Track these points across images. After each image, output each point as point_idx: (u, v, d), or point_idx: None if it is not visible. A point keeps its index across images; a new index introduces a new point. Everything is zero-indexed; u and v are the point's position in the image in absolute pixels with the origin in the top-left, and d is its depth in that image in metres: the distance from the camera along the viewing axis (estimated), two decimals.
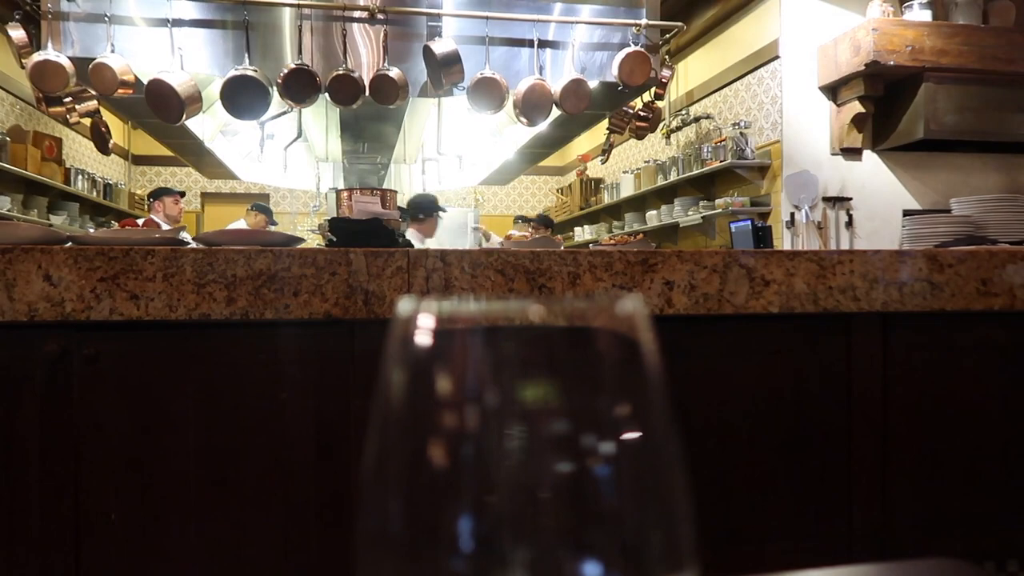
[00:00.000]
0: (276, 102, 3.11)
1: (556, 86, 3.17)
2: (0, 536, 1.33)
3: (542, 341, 0.21)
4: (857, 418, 1.58)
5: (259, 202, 6.74)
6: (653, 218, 6.40)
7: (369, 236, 2.26)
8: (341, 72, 3.00)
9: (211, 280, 1.38)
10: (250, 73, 2.95)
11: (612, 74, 3.25)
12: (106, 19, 2.86)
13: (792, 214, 4.71)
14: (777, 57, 4.83)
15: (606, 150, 4.42)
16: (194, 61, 3.01)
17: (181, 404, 1.41)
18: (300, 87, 2.98)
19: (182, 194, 5.71)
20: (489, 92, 3.10)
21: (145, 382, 1.41)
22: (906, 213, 4.44)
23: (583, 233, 8.03)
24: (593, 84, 3.24)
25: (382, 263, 1.44)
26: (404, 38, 3.13)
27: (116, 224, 7.19)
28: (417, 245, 3.75)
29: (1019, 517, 1.45)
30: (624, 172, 7.21)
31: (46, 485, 1.35)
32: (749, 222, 4.07)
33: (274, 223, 6.42)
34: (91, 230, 5.22)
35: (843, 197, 4.71)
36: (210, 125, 4.28)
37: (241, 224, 6.25)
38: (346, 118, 4.01)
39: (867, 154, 4.73)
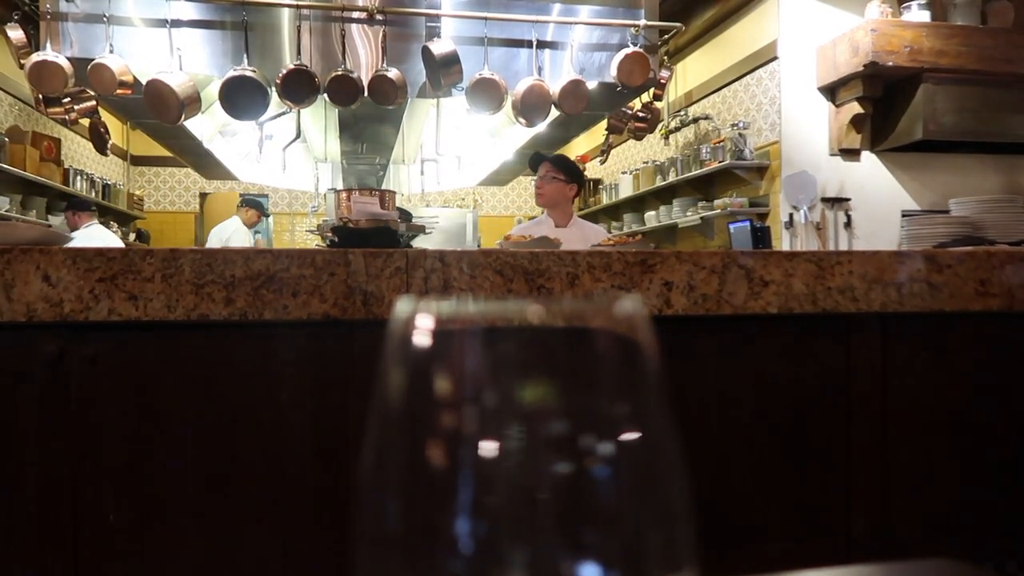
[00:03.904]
0: (275, 103, 3.11)
1: (555, 87, 3.17)
2: None
3: (541, 342, 0.21)
4: (856, 418, 1.58)
5: (250, 196, 6.68)
6: (652, 219, 6.40)
7: (375, 242, 2.26)
8: (340, 73, 3.00)
9: (210, 280, 1.38)
10: (249, 74, 2.95)
11: (611, 75, 3.25)
12: (105, 20, 2.86)
13: (791, 215, 4.71)
14: (776, 58, 4.83)
15: (605, 151, 4.43)
16: (193, 62, 3.01)
17: (180, 404, 1.41)
18: (299, 88, 2.98)
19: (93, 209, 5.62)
20: (488, 93, 3.10)
21: (144, 382, 1.41)
22: (905, 214, 4.45)
23: None
24: (592, 85, 3.24)
25: (381, 264, 1.44)
26: (403, 39, 3.13)
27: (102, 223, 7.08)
28: None
29: (1018, 518, 1.45)
30: (623, 173, 7.21)
31: (44, 486, 1.35)
32: (748, 223, 4.07)
33: (267, 214, 6.40)
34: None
35: (842, 198, 4.71)
36: (209, 125, 4.28)
37: (235, 221, 6.24)
38: (345, 119, 4.01)
39: (866, 155, 4.73)
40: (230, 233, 6.18)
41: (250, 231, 6.24)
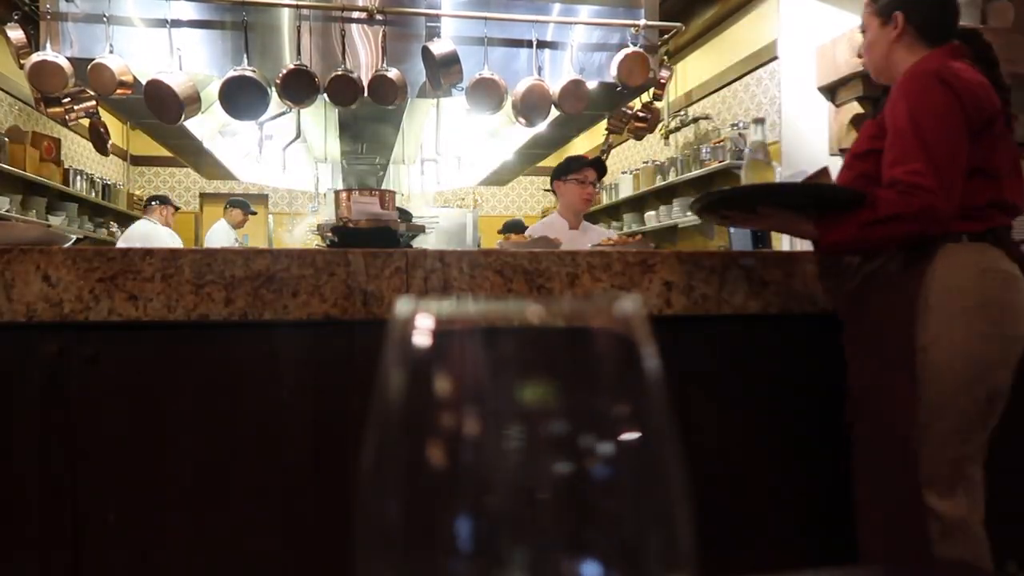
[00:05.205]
0: (275, 103, 3.11)
1: (555, 87, 3.17)
2: None
3: (540, 342, 0.21)
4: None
5: (234, 198, 6.60)
6: (652, 219, 6.40)
7: (375, 242, 2.26)
8: (340, 73, 3.00)
9: (210, 281, 1.38)
10: (249, 74, 2.95)
11: (611, 74, 3.25)
12: (105, 20, 2.86)
13: None
14: (776, 58, 4.83)
15: (605, 151, 4.42)
16: (193, 62, 3.01)
17: (180, 404, 1.41)
18: (299, 88, 2.98)
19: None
20: (488, 93, 3.10)
21: (144, 382, 1.41)
22: None
23: None
24: (592, 85, 3.24)
25: (381, 264, 1.44)
26: (403, 39, 3.13)
27: (115, 225, 7.15)
28: None
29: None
30: (623, 173, 7.21)
31: (45, 486, 1.35)
32: None
33: (252, 212, 6.34)
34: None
35: None
36: (209, 126, 4.28)
37: (222, 223, 6.21)
38: (345, 119, 4.01)
39: None
40: (212, 235, 6.12)
41: (235, 232, 6.18)
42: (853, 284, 1.54)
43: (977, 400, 1.36)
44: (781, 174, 4.74)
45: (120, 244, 5.78)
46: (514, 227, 6.60)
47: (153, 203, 5.70)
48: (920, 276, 1.39)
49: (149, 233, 5.44)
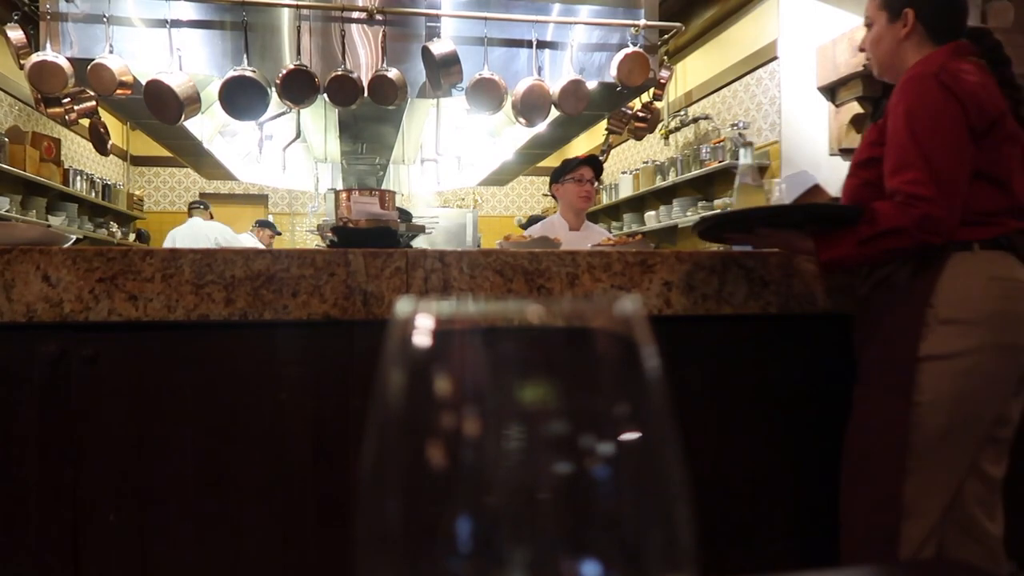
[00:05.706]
0: (275, 103, 3.11)
1: (555, 87, 3.17)
2: None
3: (540, 342, 0.21)
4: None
5: (261, 219, 7.22)
6: (652, 219, 6.40)
7: (375, 242, 2.26)
8: (340, 73, 3.00)
9: (210, 281, 1.38)
10: (249, 74, 2.95)
11: (611, 75, 3.25)
12: (105, 20, 2.86)
13: None
14: (776, 58, 4.83)
15: (605, 151, 4.42)
16: (193, 62, 3.01)
17: (180, 405, 1.41)
18: (299, 88, 2.98)
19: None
20: (488, 93, 3.10)
21: (144, 383, 1.41)
22: None
23: None
24: (592, 85, 3.24)
25: (381, 264, 1.44)
26: (403, 39, 3.13)
27: (114, 225, 7.24)
28: None
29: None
30: (623, 173, 7.21)
31: (44, 486, 1.35)
32: None
33: (278, 233, 6.89)
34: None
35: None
36: (209, 126, 4.28)
37: (250, 237, 6.66)
38: (345, 119, 4.01)
39: None
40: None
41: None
42: (863, 290, 1.52)
43: (984, 419, 1.33)
44: (782, 175, 4.74)
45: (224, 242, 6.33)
46: (535, 223, 6.64)
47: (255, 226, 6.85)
48: (928, 285, 1.35)
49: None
